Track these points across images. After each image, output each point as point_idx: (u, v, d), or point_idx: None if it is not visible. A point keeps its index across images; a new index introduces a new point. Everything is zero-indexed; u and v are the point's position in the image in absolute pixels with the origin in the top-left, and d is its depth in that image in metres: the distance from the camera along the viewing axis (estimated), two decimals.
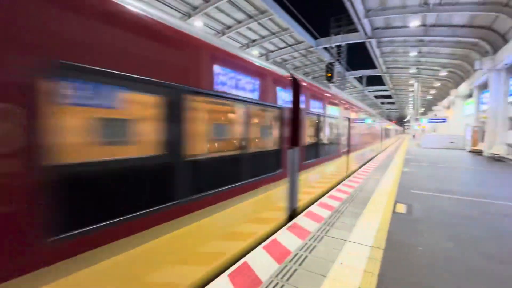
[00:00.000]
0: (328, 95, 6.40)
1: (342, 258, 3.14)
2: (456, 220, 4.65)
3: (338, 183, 7.47)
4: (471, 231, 4.19)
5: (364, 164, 11.57)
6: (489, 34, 15.75)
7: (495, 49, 15.78)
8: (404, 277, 2.80)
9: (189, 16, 15.33)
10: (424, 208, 5.32)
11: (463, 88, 23.97)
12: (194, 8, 15.18)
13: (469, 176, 9.47)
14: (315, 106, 5.46)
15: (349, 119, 8.60)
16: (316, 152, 5.75)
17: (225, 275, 2.65)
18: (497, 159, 15.17)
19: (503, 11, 13.05)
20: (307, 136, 5.17)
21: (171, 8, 14.52)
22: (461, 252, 3.46)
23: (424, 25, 16.77)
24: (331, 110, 6.64)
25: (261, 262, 2.95)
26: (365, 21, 16.31)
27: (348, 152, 8.58)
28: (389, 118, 73.89)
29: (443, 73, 23.85)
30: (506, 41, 14.60)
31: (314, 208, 4.99)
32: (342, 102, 7.71)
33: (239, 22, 17.50)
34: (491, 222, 4.60)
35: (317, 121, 5.81)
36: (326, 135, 6.52)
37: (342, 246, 3.44)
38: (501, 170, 11.09)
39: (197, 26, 15.26)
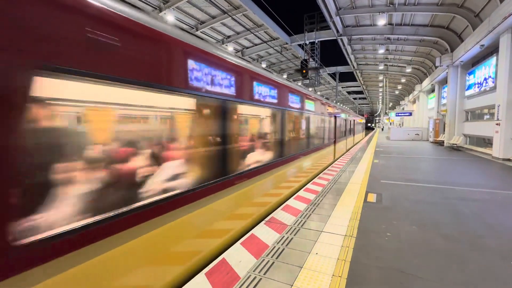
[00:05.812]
0: (336, 106, 11.21)
1: (318, 248, 3.26)
2: (419, 206, 5.04)
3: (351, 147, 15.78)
4: (433, 215, 4.56)
5: (354, 145, 18.55)
6: (447, 33, 17.06)
7: (453, 47, 17.14)
8: (373, 262, 2.99)
9: (160, 9, 14.73)
10: (392, 196, 5.68)
11: (426, 83, 25.80)
12: (166, 1, 14.61)
13: (432, 165, 10.27)
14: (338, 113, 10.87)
15: (351, 120, 16.31)
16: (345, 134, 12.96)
17: (202, 273, 2.63)
18: (455, 149, 16.60)
19: (459, 12, 14.20)
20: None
21: (141, 0, 13.84)
22: (423, 235, 3.77)
23: (390, 24, 17.72)
24: (342, 114, 12.18)
25: (239, 258, 2.97)
26: (337, 19, 16.82)
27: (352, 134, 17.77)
28: (361, 113, 77.74)
29: (409, 69, 25.45)
30: (462, 40, 15.91)
31: (291, 201, 5.12)
32: (346, 110, 14.62)
33: (213, 17, 17.16)
34: (449, 206, 5.04)
35: (344, 121, 12.03)
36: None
37: (317, 237, 3.58)
38: (459, 159, 12.17)
39: (169, 20, 14.70)
